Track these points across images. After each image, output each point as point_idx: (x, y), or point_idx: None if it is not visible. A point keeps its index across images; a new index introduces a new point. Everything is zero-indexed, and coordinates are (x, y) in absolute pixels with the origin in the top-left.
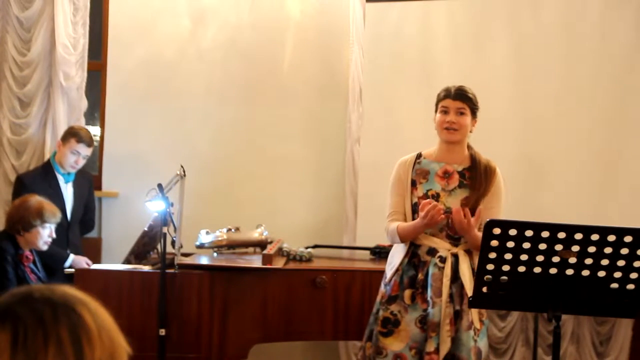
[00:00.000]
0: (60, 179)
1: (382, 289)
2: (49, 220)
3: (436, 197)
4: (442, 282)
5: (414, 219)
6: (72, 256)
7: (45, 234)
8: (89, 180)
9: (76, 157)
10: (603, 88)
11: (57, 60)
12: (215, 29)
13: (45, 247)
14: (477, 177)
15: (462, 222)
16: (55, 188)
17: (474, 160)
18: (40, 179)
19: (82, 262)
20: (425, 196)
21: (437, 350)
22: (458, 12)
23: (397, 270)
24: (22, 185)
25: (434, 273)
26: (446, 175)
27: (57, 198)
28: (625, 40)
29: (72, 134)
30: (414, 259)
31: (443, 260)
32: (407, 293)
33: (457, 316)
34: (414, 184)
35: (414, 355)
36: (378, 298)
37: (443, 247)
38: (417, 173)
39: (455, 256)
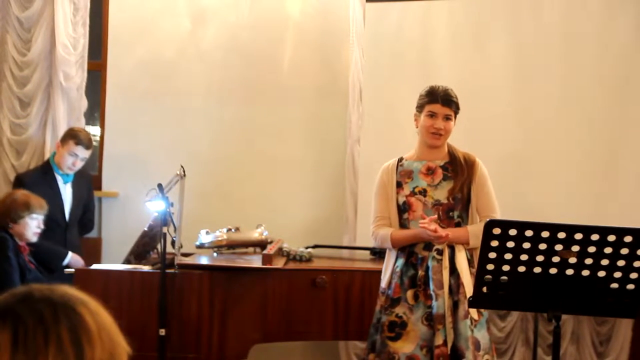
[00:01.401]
0: (59, 180)
1: (380, 296)
2: (36, 211)
3: (423, 193)
4: (442, 275)
5: (400, 218)
6: (70, 254)
7: (33, 225)
8: (87, 181)
9: (74, 159)
10: (603, 88)
11: (57, 60)
12: (215, 29)
13: (34, 239)
14: (458, 166)
15: (436, 236)
16: (54, 188)
17: (451, 154)
18: (39, 179)
19: (80, 261)
20: (413, 194)
21: (445, 342)
22: (458, 12)
23: (392, 273)
24: (22, 184)
25: (433, 266)
26: (429, 171)
27: (55, 198)
28: (625, 40)
29: (71, 136)
30: (411, 258)
31: (440, 252)
32: (410, 293)
33: (455, 306)
34: (399, 185)
35: (425, 354)
36: (377, 308)
37: None
38: (401, 175)
39: (452, 248)
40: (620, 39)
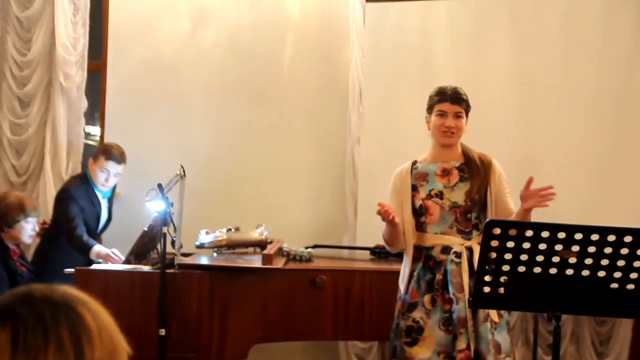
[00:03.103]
0: (99, 195)
1: (398, 301)
2: (31, 214)
3: (439, 195)
4: (462, 278)
5: (418, 222)
6: (94, 249)
7: (29, 228)
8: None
9: (106, 175)
10: (603, 88)
11: (57, 60)
12: (215, 29)
13: (30, 241)
14: (474, 167)
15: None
16: (95, 203)
17: (467, 154)
18: (84, 192)
19: (103, 249)
20: (429, 196)
21: (468, 346)
22: (458, 12)
23: (410, 277)
24: (70, 196)
25: (452, 269)
26: (445, 172)
27: (95, 213)
28: (625, 40)
29: (102, 151)
30: (429, 262)
31: (458, 255)
32: (427, 298)
33: (474, 310)
34: (414, 188)
35: None
36: (395, 312)
37: (456, 242)
38: (416, 178)
39: (470, 250)
40: (620, 39)
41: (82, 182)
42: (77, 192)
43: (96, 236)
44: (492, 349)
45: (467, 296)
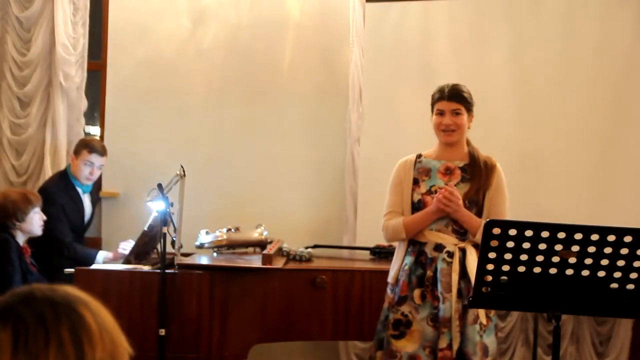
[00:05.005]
0: (79, 191)
1: (388, 293)
2: (37, 204)
3: None
4: (451, 277)
5: None
6: (100, 254)
7: (37, 218)
8: (98, 185)
9: (90, 168)
10: (603, 88)
11: (57, 60)
12: (215, 29)
13: (40, 232)
14: (477, 170)
15: (448, 201)
16: (76, 200)
17: (472, 156)
18: (62, 190)
19: (109, 254)
20: (429, 192)
21: (449, 346)
22: (458, 12)
23: (400, 270)
24: (49, 196)
25: (442, 268)
26: (448, 171)
27: (78, 210)
28: (625, 40)
29: (84, 145)
30: (421, 257)
31: (451, 255)
32: (417, 292)
33: (464, 310)
34: (416, 182)
35: (428, 355)
36: (385, 305)
37: (450, 242)
38: (418, 172)
39: (463, 251)
40: (620, 38)
41: (62, 178)
42: (55, 189)
43: (82, 234)
44: (479, 351)
45: (454, 297)
